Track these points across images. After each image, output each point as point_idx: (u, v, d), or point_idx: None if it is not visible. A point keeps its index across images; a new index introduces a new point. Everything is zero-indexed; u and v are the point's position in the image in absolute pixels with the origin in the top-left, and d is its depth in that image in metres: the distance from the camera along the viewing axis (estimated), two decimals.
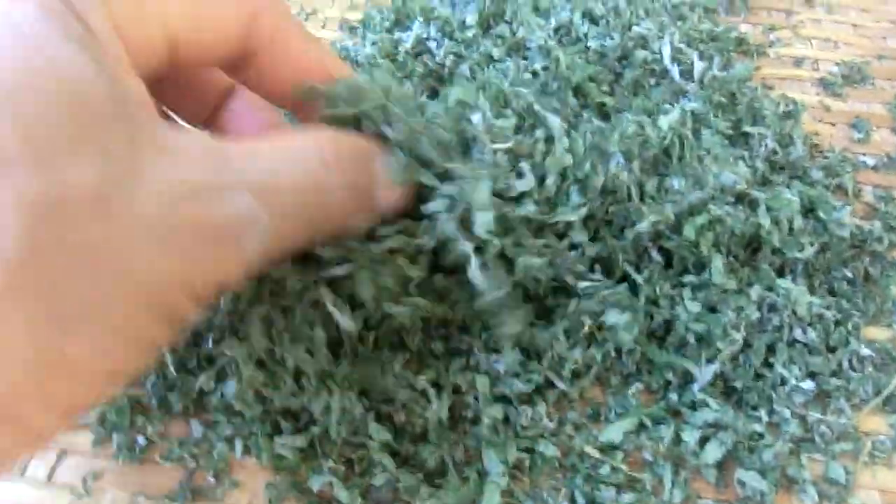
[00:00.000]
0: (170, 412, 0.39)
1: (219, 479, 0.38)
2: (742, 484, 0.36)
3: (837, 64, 0.59)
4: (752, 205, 0.41)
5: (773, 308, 0.39)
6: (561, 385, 0.37)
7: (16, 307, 0.20)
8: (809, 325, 0.40)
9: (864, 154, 0.52)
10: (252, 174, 0.24)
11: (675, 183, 0.39)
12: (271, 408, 0.37)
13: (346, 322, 0.33)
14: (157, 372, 0.40)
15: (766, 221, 0.40)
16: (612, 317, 0.37)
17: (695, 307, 0.38)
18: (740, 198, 0.41)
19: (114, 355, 0.22)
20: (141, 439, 0.39)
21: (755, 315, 0.39)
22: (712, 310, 0.39)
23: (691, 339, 0.38)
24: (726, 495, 0.36)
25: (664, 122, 0.41)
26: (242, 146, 0.25)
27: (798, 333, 0.39)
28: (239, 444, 0.38)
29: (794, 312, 0.39)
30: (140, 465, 0.38)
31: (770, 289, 0.40)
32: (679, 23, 0.57)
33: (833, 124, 0.54)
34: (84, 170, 0.21)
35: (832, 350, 0.40)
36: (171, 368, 0.40)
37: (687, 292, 0.39)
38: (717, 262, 0.38)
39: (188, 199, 0.23)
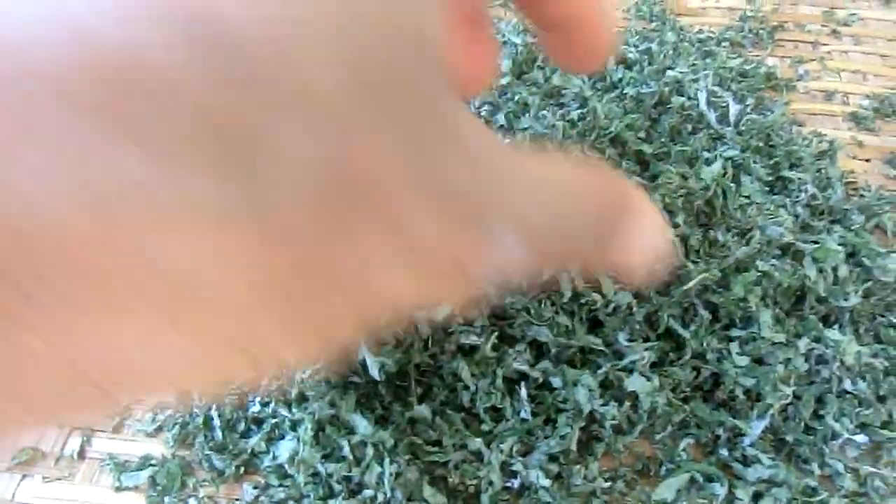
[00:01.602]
0: (221, 475, 0.40)
1: None
2: None
3: (868, 97, 0.58)
4: (797, 255, 0.41)
5: (821, 360, 0.39)
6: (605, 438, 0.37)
7: (250, 281, 0.16)
8: (859, 375, 0.40)
9: None
10: (524, 195, 0.21)
11: (720, 236, 0.39)
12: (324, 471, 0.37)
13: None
14: (205, 433, 0.41)
15: (812, 272, 0.40)
16: (635, 383, 0.37)
17: (743, 361, 0.38)
18: (785, 249, 0.41)
19: (291, 359, 0.20)
20: (193, 502, 0.39)
21: (804, 367, 0.39)
22: (759, 362, 0.39)
23: (740, 392, 0.38)
24: None
25: (706, 173, 0.41)
26: (523, 155, 0.21)
27: (847, 384, 0.39)
28: None
29: (843, 363, 0.39)
30: None
31: (818, 340, 0.39)
32: (709, 60, 0.57)
33: (868, 160, 0.54)
34: (386, 153, 0.17)
35: (882, 400, 0.40)
36: (219, 431, 0.40)
37: (735, 346, 0.38)
38: (766, 317, 0.38)
39: (458, 216, 0.19)
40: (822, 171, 0.49)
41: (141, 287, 0.15)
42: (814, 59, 0.62)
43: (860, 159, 0.54)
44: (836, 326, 0.41)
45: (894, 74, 0.60)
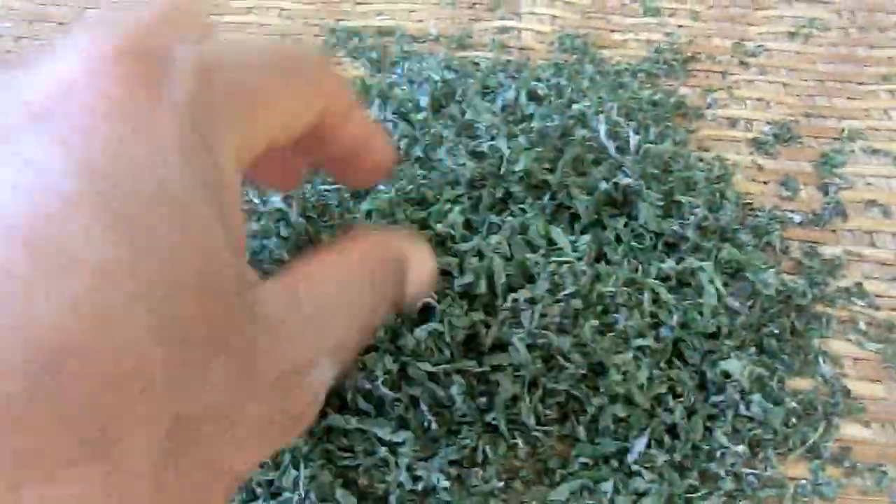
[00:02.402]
0: None
1: None
2: None
3: (769, 123, 0.63)
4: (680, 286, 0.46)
5: (720, 389, 0.44)
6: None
7: None
8: (750, 393, 0.44)
9: (792, 211, 0.56)
10: (326, 326, 0.24)
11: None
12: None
13: None
14: None
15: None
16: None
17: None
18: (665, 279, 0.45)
19: None
20: None
21: (693, 397, 0.43)
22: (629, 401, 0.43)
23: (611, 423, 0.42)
24: None
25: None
26: (305, 283, 0.24)
27: (742, 409, 0.43)
28: None
29: (740, 384, 0.43)
30: None
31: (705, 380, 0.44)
32: (621, 91, 0.62)
33: (765, 183, 0.59)
34: (216, 390, 0.20)
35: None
36: None
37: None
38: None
39: (284, 390, 0.22)
40: (717, 194, 0.54)
41: None
42: (722, 88, 0.66)
43: (758, 181, 0.59)
44: (727, 342, 0.45)
45: (795, 102, 0.65)
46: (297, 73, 0.26)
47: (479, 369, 0.41)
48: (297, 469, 0.39)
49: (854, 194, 0.58)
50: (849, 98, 0.65)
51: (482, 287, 0.42)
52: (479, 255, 0.44)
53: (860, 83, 0.66)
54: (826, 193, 0.58)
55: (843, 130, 0.62)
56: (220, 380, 0.20)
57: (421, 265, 0.32)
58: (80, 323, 0.16)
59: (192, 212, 0.19)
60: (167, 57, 0.20)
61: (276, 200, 0.44)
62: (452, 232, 0.44)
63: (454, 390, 0.40)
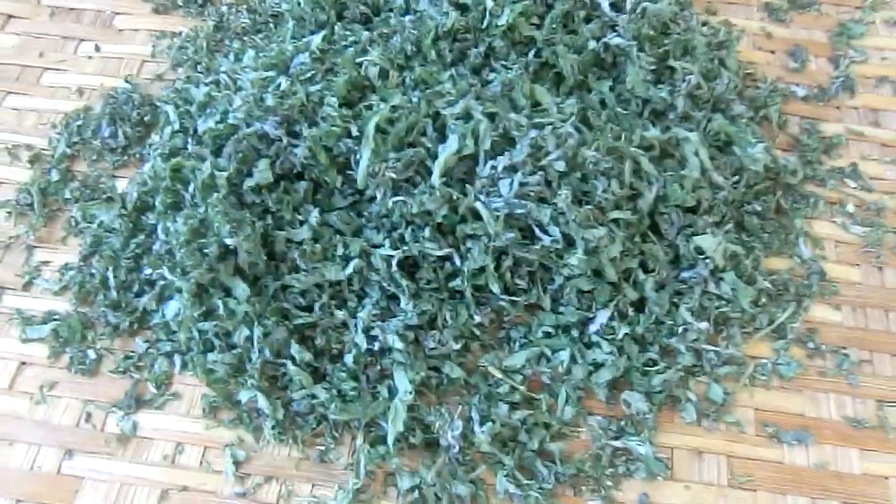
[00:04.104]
0: (116, 329, 0.43)
1: (160, 390, 0.42)
2: (628, 403, 0.40)
3: None
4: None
5: (692, 265, 0.42)
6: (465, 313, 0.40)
7: None
8: (723, 271, 0.43)
9: (797, 84, 0.53)
10: None
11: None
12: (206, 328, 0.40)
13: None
14: (103, 293, 0.44)
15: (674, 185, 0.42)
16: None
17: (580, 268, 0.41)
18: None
19: None
20: (91, 353, 0.43)
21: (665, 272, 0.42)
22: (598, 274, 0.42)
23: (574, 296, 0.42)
24: (615, 413, 0.40)
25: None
26: None
27: (711, 286, 0.42)
28: (178, 360, 0.42)
29: (713, 262, 0.42)
30: (91, 377, 0.42)
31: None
32: None
33: (773, 52, 0.55)
34: None
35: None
36: (114, 291, 0.43)
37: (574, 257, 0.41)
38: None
39: None
40: (716, 61, 0.50)
41: None
42: None
43: (765, 50, 0.55)
44: (704, 218, 0.43)
45: None
46: None
47: (450, 240, 0.40)
48: (251, 328, 0.39)
49: (866, 69, 0.54)
50: None
51: (470, 148, 0.40)
52: (467, 115, 0.42)
53: None
54: (837, 66, 0.54)
55: None
56: None
57: None
58: None
59: None
60: None
61: None
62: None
63: (420, 259, 0.40)
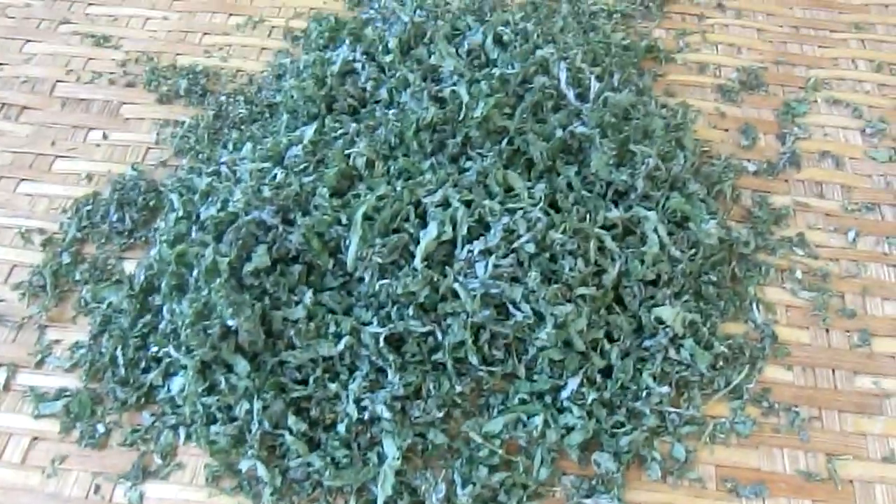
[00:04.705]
0: (124, 404, 0.46)
1: (165, 461, 0.45)
2: (598, 463, 0.43)
3: (738, 70, 0.64)
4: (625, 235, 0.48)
5: (652, 334, 0.46)
6: (446, 383, 0.44)
7: None
8: (682, 338, 0.47)
9: (748, 160, 0.58)
10: None
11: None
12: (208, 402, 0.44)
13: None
14: (112, 370, 0.47)
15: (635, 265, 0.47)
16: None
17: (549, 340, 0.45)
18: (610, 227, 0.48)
19: None
20: (100, 427, 0.46)
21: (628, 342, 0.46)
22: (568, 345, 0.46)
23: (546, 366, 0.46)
24: (586, 472, 0.44)
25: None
26: None
27: (672, 353, 0.46)
28: (182, 432, 0.45)
29: (672, 331, 0.46)
30: (100, 450, 0.45)
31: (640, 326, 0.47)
32: (592, 34, 0.62)
33: (726, 130, 0.60)
34: None
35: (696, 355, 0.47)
36: (122, 368, 0.47)
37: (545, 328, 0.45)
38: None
39: None
40: (674, 142, 0.55)
41: None
42: (696, 32, 0.67)
43: (720, 129, 0.60)
44: (664, 290, 0.48)
45: (766, 49, 0.65)
46: None
47: (433, 316, 0.44)
48: (251, 401, 0.43)
49: (810, 144, 0.59)
50: (820, 46, 0.65)
51: (449, 234, 0.45)
52: (446, 203, 0.46)
53: (833, 31, 0.66)
54: (783, 143, 0.59)
55: (809, 79, 0.63)
56: None
57: None
58: None
59: None
60: None
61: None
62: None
63: (405, 335, 0.44)
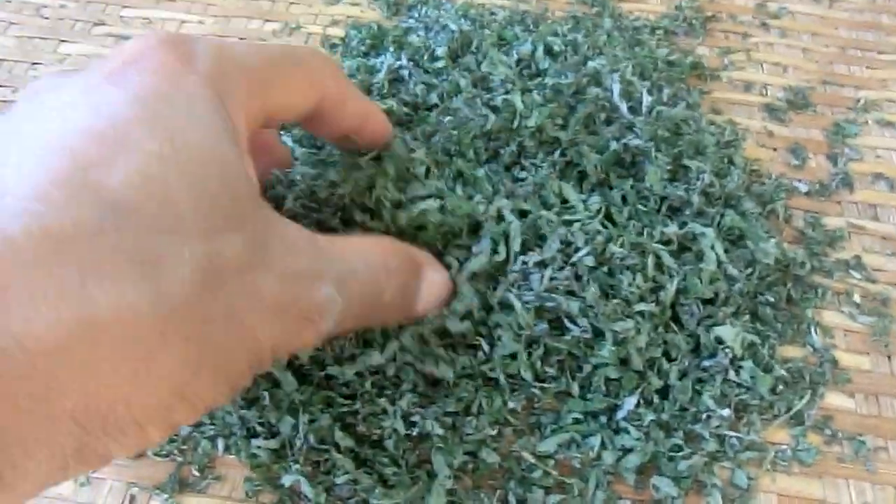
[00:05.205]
0: None
1: (203, 473, 0.43)
2: (657, 488, 0.41)
3: (785, 89, 0.63)
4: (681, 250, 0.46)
5: (712, 354, 0.45)
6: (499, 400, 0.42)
7: (173, 344, 0.25)
8: (741, 359, 0.45)
9: (799, 180, 0.57)
10: (337, 266, 0.32)
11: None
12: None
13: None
14: None
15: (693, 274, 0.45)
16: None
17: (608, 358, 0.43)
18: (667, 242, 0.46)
19: (218, 399, 0.29)
20: None
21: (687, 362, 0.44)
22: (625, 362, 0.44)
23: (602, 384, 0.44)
24: (643, 497, 0.42)
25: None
26: (328, 241, 0.32)
27: (732, 374, 0.45)
28: (221, 443, 0.43)
29: (732, 351, 0.45)
30: (134, 460, 0.43)
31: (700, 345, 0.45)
32: (637, 48, 0.61)
33: (775, 149, 0.59)
34: (236, 247, 0.27)
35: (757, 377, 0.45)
36: None
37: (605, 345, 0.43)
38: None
39: (294, 283, 0.30)
40: (725, 159, 0.54)
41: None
42: (741, 50, 0.66)
43: (768, 148, 0.59)
44: (723, 309, 0.46)
45: (813, 69, 0.64)
46: (297, 64, 0.34)
47: (483, 327, 0.42)
48: (296, 416, 0.41)
49: (863, 166, 0.58)
50: (868, 67, 0.64)
51: (502, 252, 0.43)
52: (499, 216, 0.44)
53: (881, 52, 0.65)
54: (835, 164, 0.58)
55: (858, 100, 0.62)
56: (237, 244, 0.27)
57: (433, 281, 0.39)
58: (135, 184, 0.25)
59: (213, 131, 0.28)
60: (191, 47, 0.30)
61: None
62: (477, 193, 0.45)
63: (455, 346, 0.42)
